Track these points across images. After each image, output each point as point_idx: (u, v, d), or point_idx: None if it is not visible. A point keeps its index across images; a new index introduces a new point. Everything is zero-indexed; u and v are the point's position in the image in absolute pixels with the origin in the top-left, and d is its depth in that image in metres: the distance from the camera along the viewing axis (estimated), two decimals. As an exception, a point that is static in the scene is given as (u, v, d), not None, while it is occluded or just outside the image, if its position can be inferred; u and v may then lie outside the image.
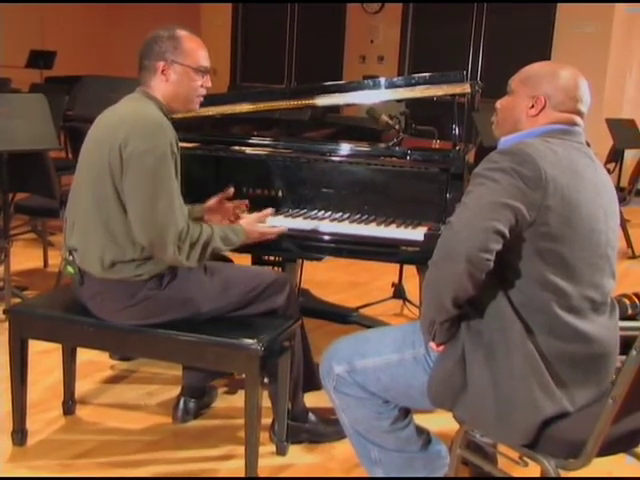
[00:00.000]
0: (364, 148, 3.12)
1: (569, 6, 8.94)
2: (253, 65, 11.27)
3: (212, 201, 2.82)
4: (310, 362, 2.82)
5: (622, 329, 2.04)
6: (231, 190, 2.82)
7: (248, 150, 3.16)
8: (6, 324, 2.64)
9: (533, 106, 2.02)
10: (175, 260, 2.40)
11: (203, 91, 2.57)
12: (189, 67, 2.50)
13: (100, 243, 2.42)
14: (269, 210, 2.72)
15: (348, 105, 3.55)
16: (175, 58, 2.48)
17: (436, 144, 3.48)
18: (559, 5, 9.10)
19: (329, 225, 2.90)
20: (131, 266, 2.43)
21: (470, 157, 3.19)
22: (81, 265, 2.48)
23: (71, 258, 2.50)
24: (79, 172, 2.52)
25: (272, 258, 3.31)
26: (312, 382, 2.77)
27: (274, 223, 2.88)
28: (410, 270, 4.03)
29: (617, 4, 8.85)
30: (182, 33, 2.52)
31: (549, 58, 8.74)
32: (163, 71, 2.48)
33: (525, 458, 1.94)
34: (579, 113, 2.04)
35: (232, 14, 11.32)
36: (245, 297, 2.57)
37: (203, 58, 2.54)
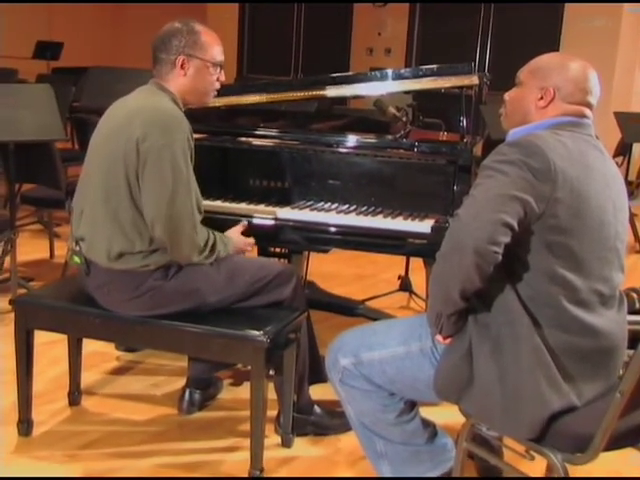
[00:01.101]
0: (371, 140, 3.10)
1: (577, 5, 8.90)
2: (260, 57, 11.25)
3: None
4: (316, 354, 2.82)
5: (630, 323, 2.03)
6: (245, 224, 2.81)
7: (255, 142, 3.16)
8: (12, 315, 2.65)
9: (542, 98, 2.01)
10: (189, 255, 2.43)
11: (218, 85, 2.60)
12: (209, 62, 2.51)
13: (108, 234, 2.42)
14: (244, 222, 2.76)
15: (355, 97, 3.54)
16: (194, 52, 2.49)
17: (443, 136, 3.46)
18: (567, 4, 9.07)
19: (336, 217, 2.89)
20: (138, 257, 2.43)
21: (478, 150, 3.17)
22: (88, 255, 2.48)
23: (78, 248, 2.50)
24: (89, 162, 2.51)
25: (278, 250, 3.30)
26: (318, 374, 2.77)
27: (281, 215, 2.88)
28: (417, 263, 4.02)
29: (625, 4, 8.81)
30: (200, 27, 2.53)
31: (557, 51, 8.70)
32: (182, 65, 2.48)
33: (531, 452, 1.93)
34: (588, 105, 2.02)
35: (239, 6, 11.30)
36: (251, 288, 2.56)
37: (220, 52, 2.56)
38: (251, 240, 2.73)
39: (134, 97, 2.52)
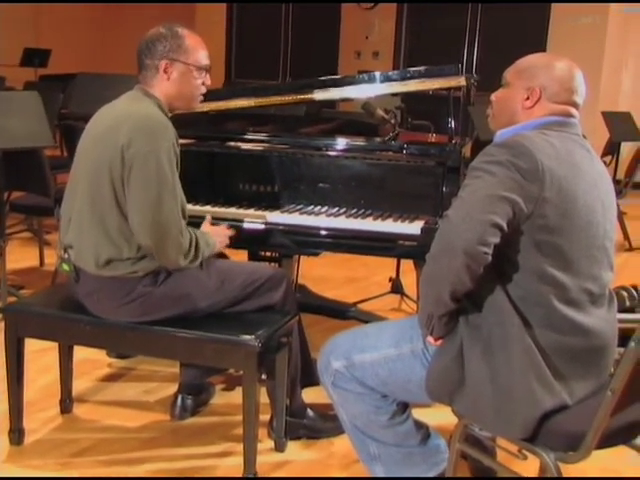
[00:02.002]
0: (360, 143, 3.11)
1: (564, 5, 8.95)
2: (248, 61, 11.26)
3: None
4: (307, 357, 2.82)
5: (620, 321, 2.03)
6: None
7: (243, 146, 3.15)
8: (2, 323, 2.64)
9: (528, 98, 2.01)
10: (175, 261, 2.42)
11: (204, 89, 2.58)
12: (192, 65, 2.50)
13: (95, 241, 2.41)
14: (208, 217, 2.75)
15: (344, 100, 3.55)
16: (178, 57, 2.48)
17: (432, 138, 3.47)
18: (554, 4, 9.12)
19: (326, 220, 2.89)
20: (127, 263, 2.42)
21: (466, 151, 3.18)
22: (76, 262, 2.48)
23: (66, 256, 2.49)
24: (76, 169, 2.51)
25: (269, 254, 3.30)
26: (310, 377, 2.77)
27: (271, 219, 2.88)
28: (407, 265, 4.02)
29: (612, 3, 8.85)
30: (184, 31, 2.51)
31: (545, 51, 8.73)
32: (165, 70, 2.48)
33: (524, 451, 1.94)
34: (574, 104, 2.03)
35: (227, 10, 11.31)
36: (242, 292, 2.56)
37: (204, 56, 2.54)
38: (226, 229, 2.71)
39: (120, 103, 2.51)
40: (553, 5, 9.16)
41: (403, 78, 3.13)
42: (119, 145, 2.34)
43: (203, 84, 2.56)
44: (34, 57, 10.07)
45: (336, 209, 2.97)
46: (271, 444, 2.74)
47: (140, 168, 2.33)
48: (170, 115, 2.52)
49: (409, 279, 4.26)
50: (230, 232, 2.71)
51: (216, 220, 2.77)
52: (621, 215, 6.00)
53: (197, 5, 11.33)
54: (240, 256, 3.14)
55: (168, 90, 2.50)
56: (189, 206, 2.80)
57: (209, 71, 2.58)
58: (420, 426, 2.27)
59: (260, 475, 2.53)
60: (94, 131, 2.48)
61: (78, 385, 3.06)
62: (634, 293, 2.38)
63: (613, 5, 8.88)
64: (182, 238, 2.40)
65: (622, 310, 2.16)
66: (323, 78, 3.26)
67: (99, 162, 2.38)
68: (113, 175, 2.36)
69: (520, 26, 9.27)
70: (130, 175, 2.34)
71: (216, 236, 2.63)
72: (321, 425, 2.82)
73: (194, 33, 2.56)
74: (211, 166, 3.17)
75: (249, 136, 3.20)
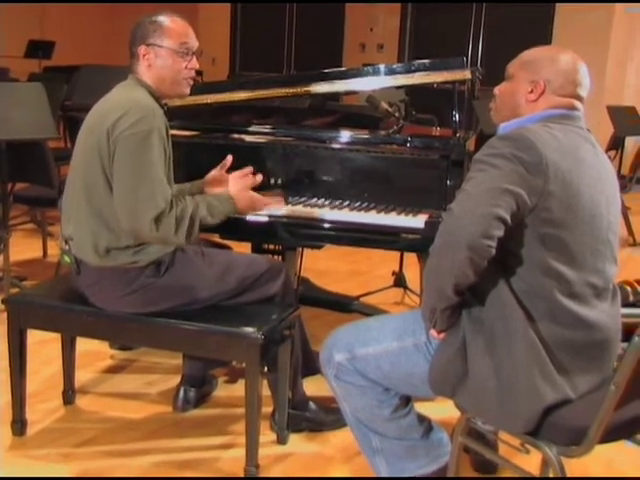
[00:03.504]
0: (364, 136, 3.10)
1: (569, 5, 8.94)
2: (252, 54, 11.24)
3: (212, 173, 2.80)
4: (307, 347, 2.82)
5: (624, 316, 2.03)
6: (229, 159, 2.78)
7: (248, 138, 3.15)
8: (5, 314, 2.63)
9: (532, 91, 2.01)
10: (163, 240, 2.38)
11: (190, 73, 2.52)
12: (169, 49, 2.47)
13: (93, 230, 2.41)
14: (259, 177, 2.68)
15: (348, 93, 3.53)
16: (154, 41, 2.46)
17: (436, 131, 3.46)
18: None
19: (329, 213, 2.89)
20: (127, 253, 2.42)
21: (470, 144, 3.17)
22: (77, 254, 2.48)
23: (67, 247, 2.49)
24: (74, 160, 2.51)
25: (272, 246, 3.30)
26: (310, 367, 2.78)
27: (273, 212, 2.87)
28: (411, 258, 4.03)
29: (617, 4, 8.83)
30: (163, 16, 2.49)
31: (550, 44, 8.70)
32: (145, 55, 2.47)
33: (527, 445, 1.94)
34: (579, 97, 2.02)
35: (231, 3, 11.28)
36: (241, 284, 2.56)
37: (185, 38, 2.49)
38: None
39: (113, 93, 2.51)
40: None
41: (408, 71, 3.12)
42: (105, 130, 2.34)
43: (187, 68, 2.50)
44: (38, 49, 10.07)
45: (339, 202, 2.97)
46: (273, 436, 2.74)
47: (121, 149, 2.32)
48: (164, 102, 2.51)
49: (412, 273, 4.26)
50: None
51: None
52: (625, 210, 5.98)
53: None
54: (243, 248, 3.13)
55: (152, 76, 2.49)
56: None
57: (197, 54, 2.52)
58: (422, 419, 2.27)
59: (262, 467, 2.53)
60: (87, 122, 2.49)
61: (80, 376, 3.06)
62: (638, 288, 2.38)
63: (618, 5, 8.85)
64: (162, 220, 2.31)
65: (626, 305, 2.16)
66: (327, 70, 3.25)
67: (90, 151, 2.39)
68: (103, 161, 2.36)
69: (525, 21, 9.24)
70: (114, 158, 2.34)
71: (240, 199, 2.57)
72: (323, 418, 2.82)
73: (177, 17, 2.52)
74: (215, 158, 3.15)
75: (253, 128, 3.19)
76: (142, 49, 2.47)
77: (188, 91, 2.58)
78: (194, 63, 2.53)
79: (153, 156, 2.34)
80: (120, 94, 2.47)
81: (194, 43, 2.52)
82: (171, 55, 2.48)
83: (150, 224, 2.31)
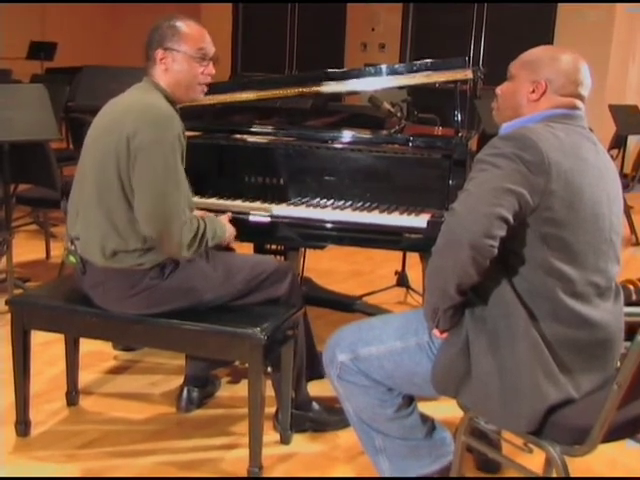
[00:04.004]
0: (366, 135, 3.10)
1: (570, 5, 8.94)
2: (254, 54, 11.23)
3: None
4: (313, 350, 2.82)
5: (627, 315, 2.03)
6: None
7: (250, 139, 3.15)
8: (8, 315, 2.64)
9: (534, 91, 2.01)
10: (178, 252, 2.41)
11: (206, 79, 2.54)
12: (186, 54, 2.48)
13: (102, 232, 2.41)
14: (229, 214, 2.72)
15: (350, 93, 3.54)
16: (172, 45, 2.47)
17: (438, 131, 3.46)
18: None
19: (331, 213, 2.89)
20: (133, 255, 2.42)
21: (473, 144, 3.17)
22: (83, 254, 2.48)
23: (73, 247, 2.50)
24: (83, 160, 2.51)
25: (274, 247, 3.30)
26: (315, 370, 2.78)
27: (277, 212, 2.88)
28: (413, 258, 4.02)
29: (618, 4, 8.82)
30: (181, 21, 2.50)
31: (552, 43, 8.69)
32: (162, 59, 2.47)
33: (530, 445, 1.94)
34: (580, 97, 2.02)
35: (233, 3, 11.28)
36: (247, 285, 2.56)
37: (202, 44, 2.51)
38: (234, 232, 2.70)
39: (128, 95, 2.51)
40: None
41: (409, 71, 3.13)
42: (124, 135, 2.34)
43: (203, 73, 2.52)
44: (40, 50, 10.07)
45: (342, 202, 2.97)
46: (276, 437, 2.75)
47: (145, 158, 2.33)
48: (178, 106, 2.52)
49: (415, 272, 4.26)
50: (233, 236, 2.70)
51: (223, 213, 2.76)
52: (628, 209, 5.98)
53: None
54: (246, 249, 3.14)
55: (168, 80, 2.49)
56: (196, 199, 2.81)
57: (213, 60, 2.54)
58: (425, 419, 2.27)
59: (265, 467, 2.53)
60: (101, 123, 2.48)
61: (84, 377, 3.07)
62: (640, 286, 2.38)
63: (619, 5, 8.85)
64: (185, 230, 2.38)
65: (629, 304, 2.16)
66: (329, 71, 3.25)
67: (105, 153, 2.38)
68: (120, 166, 2.36)
69: (527, 21, 9.23)
70: (135, 165, 2.34)
71: (230, 230, 2.62)
72: (326, 418, 2.82)
73: (194, 22, 2.54)
74: (217, 159, 3.17)
75: (255, 129, 3.20)
76: (159, 53, 2.47)
77: (202, 96, 2.59)
78: (210, 69, 2.54)
79: (177, 163, 2.37)
80: (137, 97, 2.47)
81: (211, 49, 2.53)
82: (188, 60, 2.48)
83: (178, 232, 2.36)
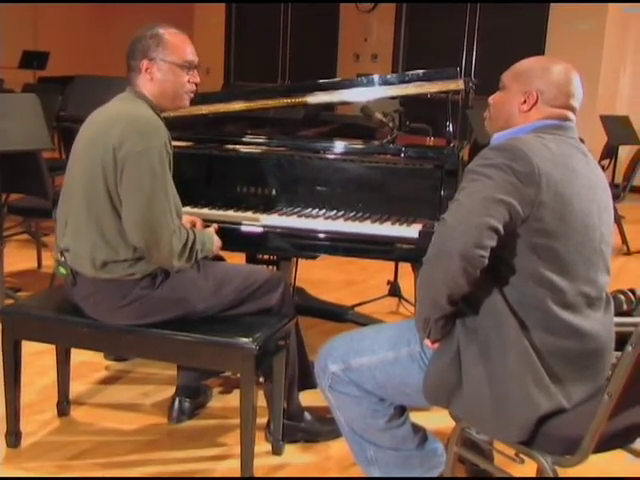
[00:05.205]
0: (358, 146, 3.10)
1: (563, 5, 8.97)
2: (247, 64, 11.26)
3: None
4: (305, 361, 2.81)
5: (617, 325, 2.03)
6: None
7: (242, 149, 3.15)
8: (-1, 326, 2.63)
9: (525, 101, 2.02)
10: (168, 261, 2.40)
11: (191, 87, 2.55)
12: (172, 63, 2.48)
13: (91, 243, 2.41)
14: (215, 225, 2.71)
15: (342, 103, 3.54)
16: (157, 55, 2.47)
17: (430, 141, 3.47)
18: (552, 4, 9.14)
19: (324, 223, 2.89)
20: (123, 265, 2.42)
21: (465, 154, 3.18)
22: (73, 265, 2.47)
23: (63, 259, 2.49)
24: (70, 171, 2.51)
25: (267, 257, 3.30)
26: (307, 381, 2.77)
27: (269, 222, 2.87)
28: (405, 268, 4.02)
29: (610, 4, 8.87)
30: (164, 30, 2.50)
31: (543, 54, 8.74)
32: (147, 69, 2.47)
33: (521, 455, 1.94)
34: (571, 108, 2.03)
35: (226, 13, 11.32)
36: (239, 295, 2.56)
37: (187, 53, 2.52)
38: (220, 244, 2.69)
39: (112, 105, 2.51)
40: (551, 8, 9.17)
41: (401, 81, 3.13)
42: (110, 146, 2.34)
43: (189, 82, 2.53)
44: (33, 59, 10.08)
45: (334, 212, 2.97)
46: (268, 447, 2.74)
47: (132, 168, 2.33)
48: (163, 115, 2.52)
49: (407, 282, 4.26)
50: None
51: (215, 223, 2.76)
52: (619, 219, 6.00)
53: (195, 6, 11.33)
54: (238, 259, 3.14)
55: (153, 90, 2.50)
56: (187, 209, 2.81)
57: (197, 68, 2.55)
58: (417, 429, 2.27)
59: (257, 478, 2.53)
60: (86, 133, 2.48)
61: (75, 388, 3.05)
62: (632, 297, 2.38)
63: (612, 7, 8.89)
64: (175, 239, 2.38)
65: (619, 314, 2.16)
66: (321, 81, 3.26)
67: (92, 164, 2.38)
68: (107, 176, 2.36)
69: (518, 31, 9.28)
70: (122, 175, 2.34)
71: (217, 243, 2.61)
72: (318, 428, 2.81)
73: (177, 31, 2.54)
74: (209, 169, 3.17)
75: (247, 139, 3.20)
76: (144, 63, 2.47)
77: (188, 104, 2.60)
78: (196, 77, 2.55)
79: (165, 171, 2.37)
80: (120, 107, 2.47)
81: (195, 57, 2.54)
82: (173, 69, 2.49)
83: (167, 242, 2.36)
